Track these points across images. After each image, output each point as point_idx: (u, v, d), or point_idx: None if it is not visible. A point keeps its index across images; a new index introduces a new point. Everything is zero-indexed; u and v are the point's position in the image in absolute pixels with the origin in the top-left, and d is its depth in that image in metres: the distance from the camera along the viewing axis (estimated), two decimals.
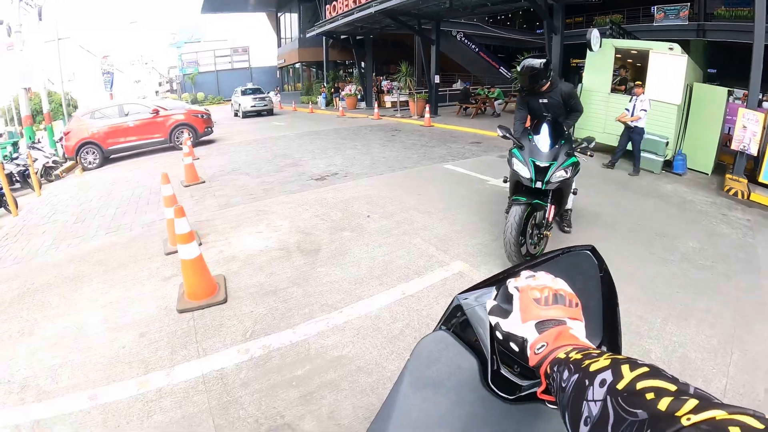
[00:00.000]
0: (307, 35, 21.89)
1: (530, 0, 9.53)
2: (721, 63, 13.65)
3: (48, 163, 8.90)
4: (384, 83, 19.66)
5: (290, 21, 27.73)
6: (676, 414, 0.31)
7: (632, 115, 6.34)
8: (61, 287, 3.47)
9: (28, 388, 2.29)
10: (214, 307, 2.97)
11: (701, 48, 13.94)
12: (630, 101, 6.49)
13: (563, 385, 0.44)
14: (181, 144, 9.17)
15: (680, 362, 2.36)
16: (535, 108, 3.73)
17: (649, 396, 0.34)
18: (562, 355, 0.47)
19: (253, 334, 2.66)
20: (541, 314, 0.54)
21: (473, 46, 22.13)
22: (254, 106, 18.46)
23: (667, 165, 6.77)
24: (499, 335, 0.59)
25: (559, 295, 0.55)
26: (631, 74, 9.07)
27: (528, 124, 3.81)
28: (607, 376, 0.39)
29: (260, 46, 36.21)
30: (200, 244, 4.04)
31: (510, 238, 3.11)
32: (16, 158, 8.39)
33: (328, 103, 21.56)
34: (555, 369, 0.47)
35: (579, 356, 0.45)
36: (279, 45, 30.75)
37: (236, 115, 19.59)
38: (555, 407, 0.47)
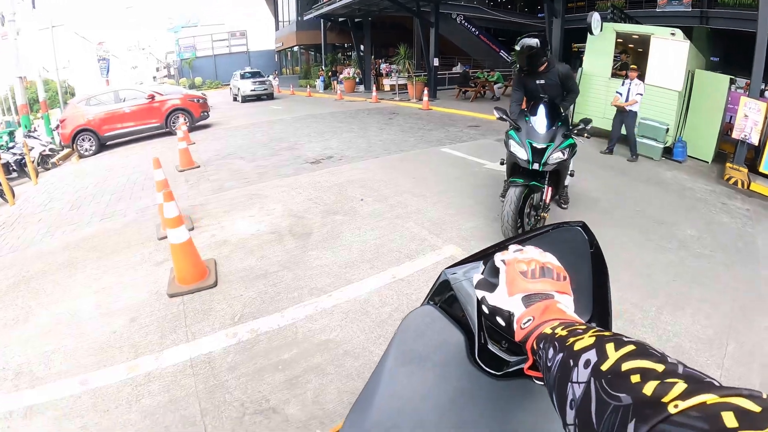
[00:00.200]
0: (305, 18, 21.57)
1: None
2: (725, 51, 13.30)
3: (44, 151, 8.89)
4: (383, 66, 19.32)
5: (288, 3, 27.23)
6: (663, 400, 0.28)
7: (627, 100, 6.23)
8: (56, 274, 3.49)
9: (22, 375, 2.32)
10: (204, 291, 2.98)
11: (704, 36, 13.59)
12: (623, 84, 6.35)
13: (549, 364, 0.42)
14: (176, 129, 9.13)
15: (674, 352, 2.33)
16: (531, 89, 3.66)
17: (635, 378, 0.32)
18: (548, 331, 0.46)
19: (242, 318, 2.67)
20: (528, 287, 0.52)
21: (473, 29, 21.60)
22: (254, 90, 17.96)
23: (667, 152, 6.65)
24: (485, 309, 0.58)
25: (547, 268, 0.53)
26: (632, 59, 8.87)
27: (524, 105, 3.75)
28: (592, 356, 0.37)
29: (258, 29, 35.73)
30: (192, 229, 4.05)
31: (509, 210, 3.10)
32: (12, 147, 8.36)
33: (327, 86, 21.33)
34: (541, 345, 0.46)
35: (564, 333, 0.43)
36: (277, 28, 30.32)
37: (235, 99, 19.26)
38: (542, 383, 0.46)
